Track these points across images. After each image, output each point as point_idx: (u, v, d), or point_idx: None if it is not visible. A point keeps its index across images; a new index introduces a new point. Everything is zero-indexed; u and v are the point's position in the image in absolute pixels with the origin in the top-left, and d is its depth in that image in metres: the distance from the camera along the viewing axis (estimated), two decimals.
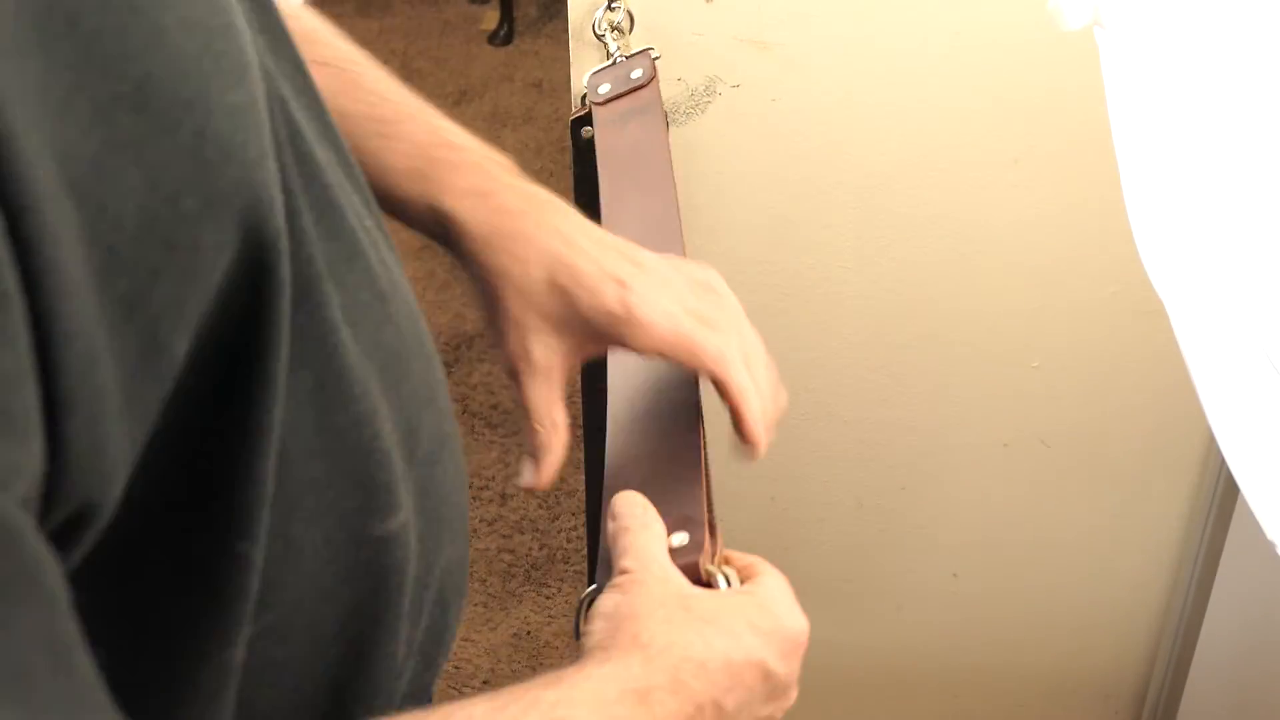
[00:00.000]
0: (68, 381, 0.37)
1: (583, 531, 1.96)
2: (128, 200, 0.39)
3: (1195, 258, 0.78)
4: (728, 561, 0.65)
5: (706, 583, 0.63)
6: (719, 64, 1.22)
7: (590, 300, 0.67)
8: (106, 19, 0.39)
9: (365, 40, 0.73)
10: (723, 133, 1.25)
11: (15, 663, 0.36)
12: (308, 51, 0.70)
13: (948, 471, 1.48)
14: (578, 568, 2.02)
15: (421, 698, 0.65)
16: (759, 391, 0.72)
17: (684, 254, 0.86)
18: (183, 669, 0.50)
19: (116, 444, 0.41)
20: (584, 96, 1.11)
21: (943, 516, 1.51)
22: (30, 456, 0.37)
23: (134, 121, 0.39)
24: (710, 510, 0.68)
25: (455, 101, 2.92)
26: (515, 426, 2.22)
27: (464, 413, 2.24)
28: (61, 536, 0.41)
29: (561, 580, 2.02)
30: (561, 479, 0.75)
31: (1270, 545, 0.73)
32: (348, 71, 0.71)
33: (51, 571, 0.38)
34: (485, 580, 2.01)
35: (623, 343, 0.68)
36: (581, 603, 0.63)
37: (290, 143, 0.51)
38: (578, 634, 0.61)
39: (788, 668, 0.60)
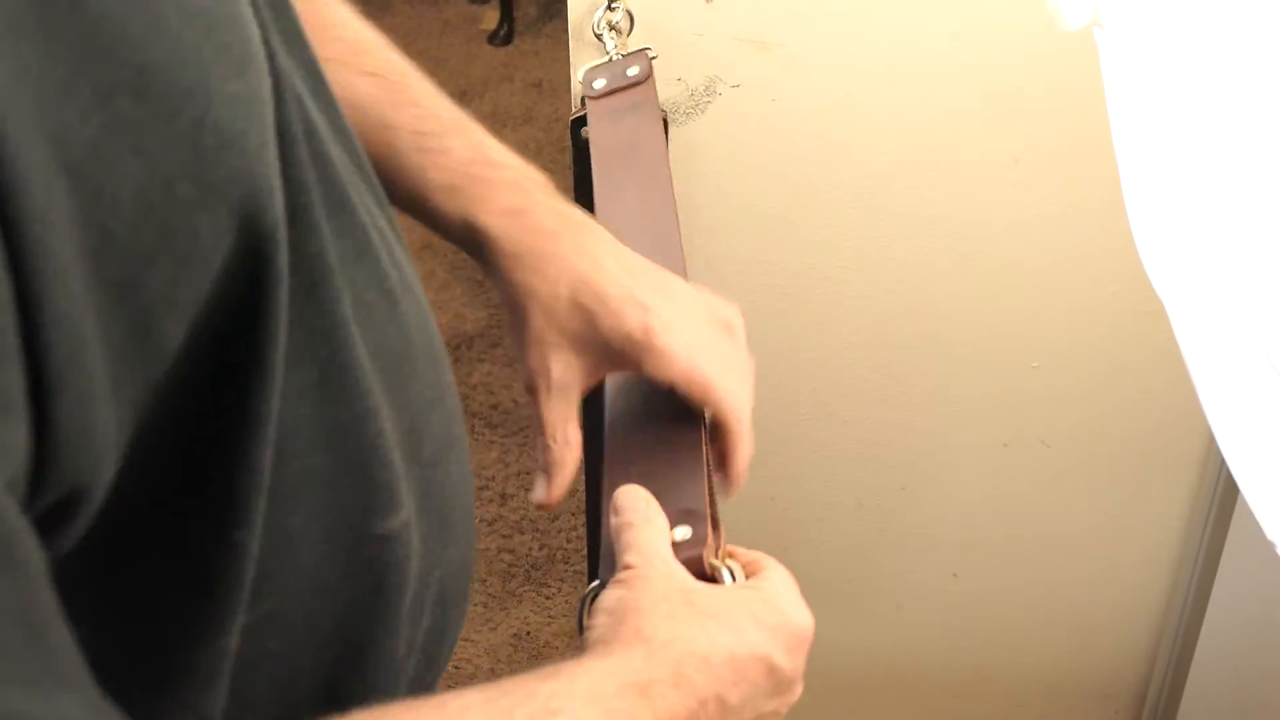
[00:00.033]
0: (55, 363, 0.37)
1: (583, 531, 1.96)
2: (125, 184, 0.39)
3: (1195, 258, 0.78)
4: (731, 556, 0.65)
5: (710, 577, 0.63)
6: (719, 64, 1.22)
7: (612, 322, 0.68)
8: (109, 5, 0.39)
9: None
10: (723, 133, 1.25)
11: None
12: (355, 61, 0.71)
13: (948, 471, 1.48)
14: (578, 568, 2.02)
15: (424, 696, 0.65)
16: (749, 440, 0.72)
17: (681, 250, 0.86)
18: (175, 654, 0.50)
19: (104, 427, 0.41)
20: (584, 98, 1.12)
21: (943, 516, 1.51)
22: (13, 435, 0.37)
23: (134, 107, 0.39)
24: (713, 505, 0.69)
25: (455, 101, 2.91)
26: (515, 426, 2.22)
27: (464, 413, 2.24)
28: (52, 520, 0.41)
29: (561, 580, 2.02)
30: None
31: (1270, 545, 0.73)
32: (395, 83, 0.72)
33: (28, 545, 0.38)
34: (485, 580, 2.01)
35: (638, 367, 0.69)
36: (584, 599, 0.63)
37: (306, 138, 0.51)
38: (581, 630, 0.61)
39: (793, 663, 0.60)
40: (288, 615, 0.54)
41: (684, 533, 0.64)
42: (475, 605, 1.97)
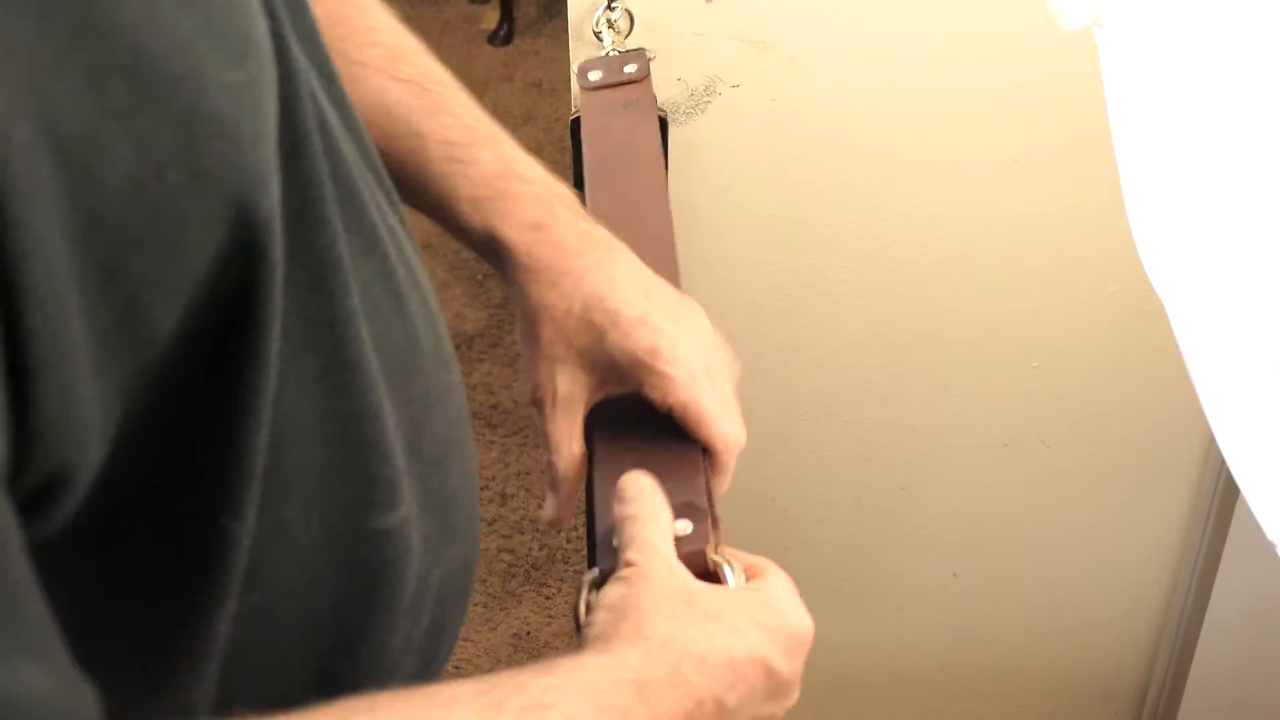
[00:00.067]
0: (36, 343, 0.37)
1: (583, 531, 1.96)
2: (115, 167, 0.39)
3: (1195, 258, 0.78)
4: (732, 558, 0.65)
5: (712, 572, 0.63)
6: (719, 64, 1.22)
7: (620, 340, 0.68)
8: None
9: None
10: (723, 133, 1.25)
11: None
12: (391, 67, 0.72)
13: (948, 471, 1.48)
14: (578, 568, 2.02)
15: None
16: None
17: (674, 252, 0.85)
18: (161, 639, 0.50)
19: (89, 409, 0.41)
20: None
21: (943, 516, 1.51)
22: None
23: (126, 90, 0.39)
24: (712, 502, 0.68)
25: None
26: (515, 426, 2.22)
27: None
28: (37, 501, 0.41)
29: (561, 580, 2.02)
30: None
31: (1270, 545, 0.73)
32: (430, 91, 0.72)
33: (2, 518, 0.38)
34: (485, 580, 2.01)
35: (640, 388, 0.68)
36: (581, 586, 0.62)
37: (320, 134, 0.52)
38: (576, 622, 0.61)
39: (791, 666, 0.60)
40: (281, 605, 0.54)
41: (685, 527, 0.64)
42: (475, 605, 1.97)
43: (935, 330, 1.38)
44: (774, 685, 0.59)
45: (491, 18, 3.19)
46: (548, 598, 2.00)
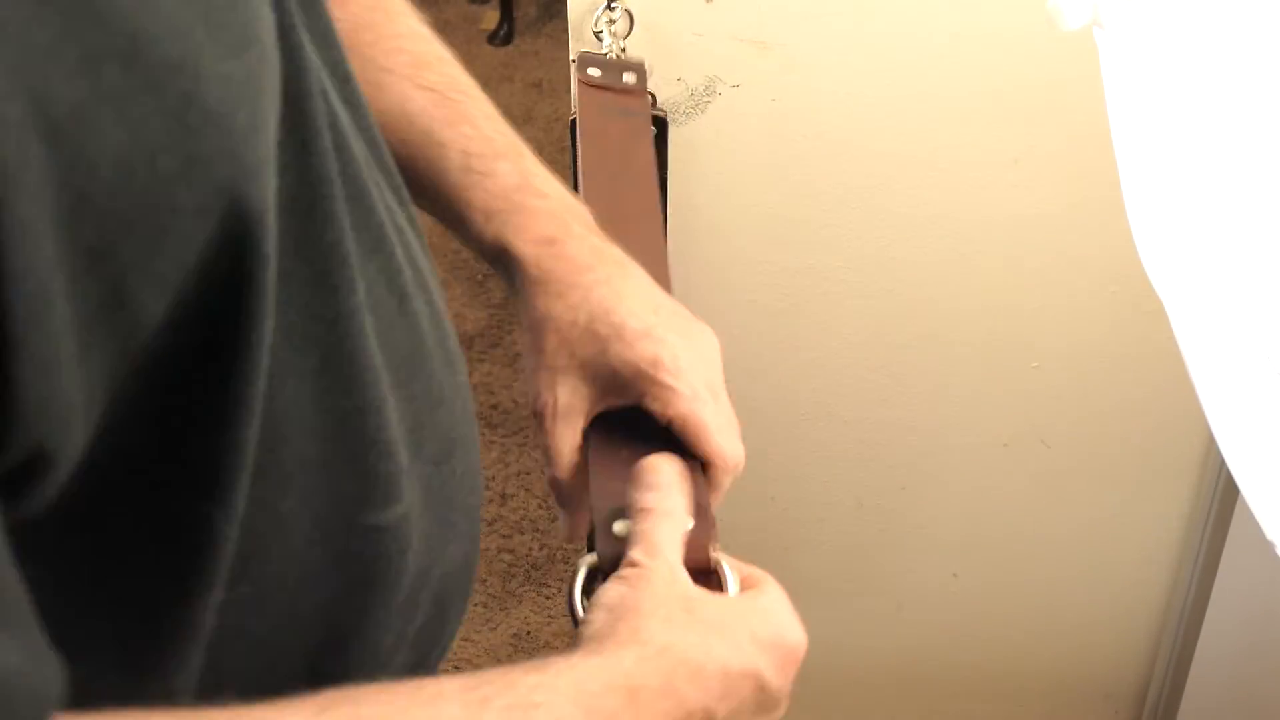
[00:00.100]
0: (15, 320, 0.37)
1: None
2: (106, 151, 0.39)
3: (1195, 258, 0.78)
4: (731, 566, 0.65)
5: (711, 570, 0.63)
6: (719, 64, 1.22)
7: (623, 351, 0.67)
8: None
9: None
10: (723, 133, 1.25)
11: None
12: (415, 75, 0.71)
13: (948, 471, 1.48)
14: None
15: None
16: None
17: (665, 259, 0.85)
18: (143, 622, 0.50)
19: (72, 391, 0.41)
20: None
21: (943, 516, 1.51)
22: None
23: (121, 76, 0.39)
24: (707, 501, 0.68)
25: None
26: (515, 426, 2.22)
27: None
28: (18, 481, 0.41)
29: (561, 580, 2.02)
30: None
31: (1270, 545, 0.73)
32: (452, 100, 0.72)
33: None
34: (485, 580, 2.01)
35: (642, 399, 0.67)
36: (577, 570, 0.62)
37: (330, 131, 0.52)
38: (570, 608, 0.61)
39: (781, 680, 0.60)
40: (274, 597, 0.54)
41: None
42: (475, 605, 1.97)
43: (935, 330, 1.38)
44: (763, 699, 0.59)
45: (491, 18, 3.19)
46: (548, 598, 2.00)
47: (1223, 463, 1.36)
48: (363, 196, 0.55)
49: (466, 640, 1.93)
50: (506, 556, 2.05)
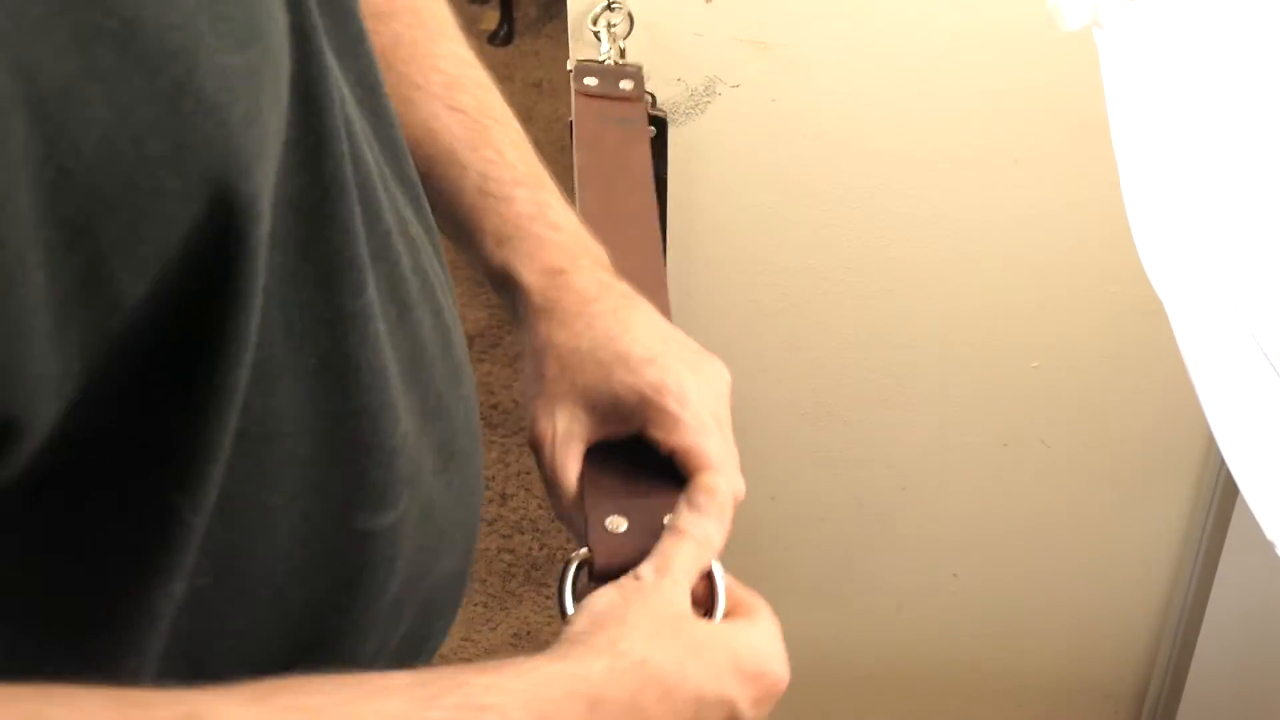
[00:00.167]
0: None
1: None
2: (91, 129, 0.39)
3: (1195, 258, 0.78)
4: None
5: (706, 576, 0.62)
6: (719, 64, 1.22)
7: (626, 377, 0.65)
8: None
9: None
10: (723, 133, 1.25)
11: None
12: (446, 95, 0.71)
13: (948, 471, 1.48)
14: None
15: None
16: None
17: (662, 265, 0.85)
18: (97, 603, 0.50)
19: (44, 364, 0.41)
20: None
21: (943, 516, 1.51)
22: None
23: (114, 57, 0.39)
24: None
25: None
26: (515, 426, 2.22)
27: None
28: None
29: None
30: None
31: (1270, 545, 0.73)
32: (480, 124, 0.72)
33: None
34: (485, 580, 2.01)
35: (645, 427, 0.66)
36: (568, 565, 0.61)
37: (347, 138, 0.52)
38: (560, 607, 0.60)
39: (756, 713, 0.58)
40: (257, 591, 0.54)
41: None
42: (475, 605, 1.97)
43: (935, 330, 1.38)
44: None
45: (491, 18, 3.19)
46: (547, 598, 2.00)
47: (1223, 463, 1.36)
48: (371, 204, 0.55)
49: (466, 640, 1.93)
50: (506, 556, 2.05)
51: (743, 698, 0.57)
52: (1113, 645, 1.61)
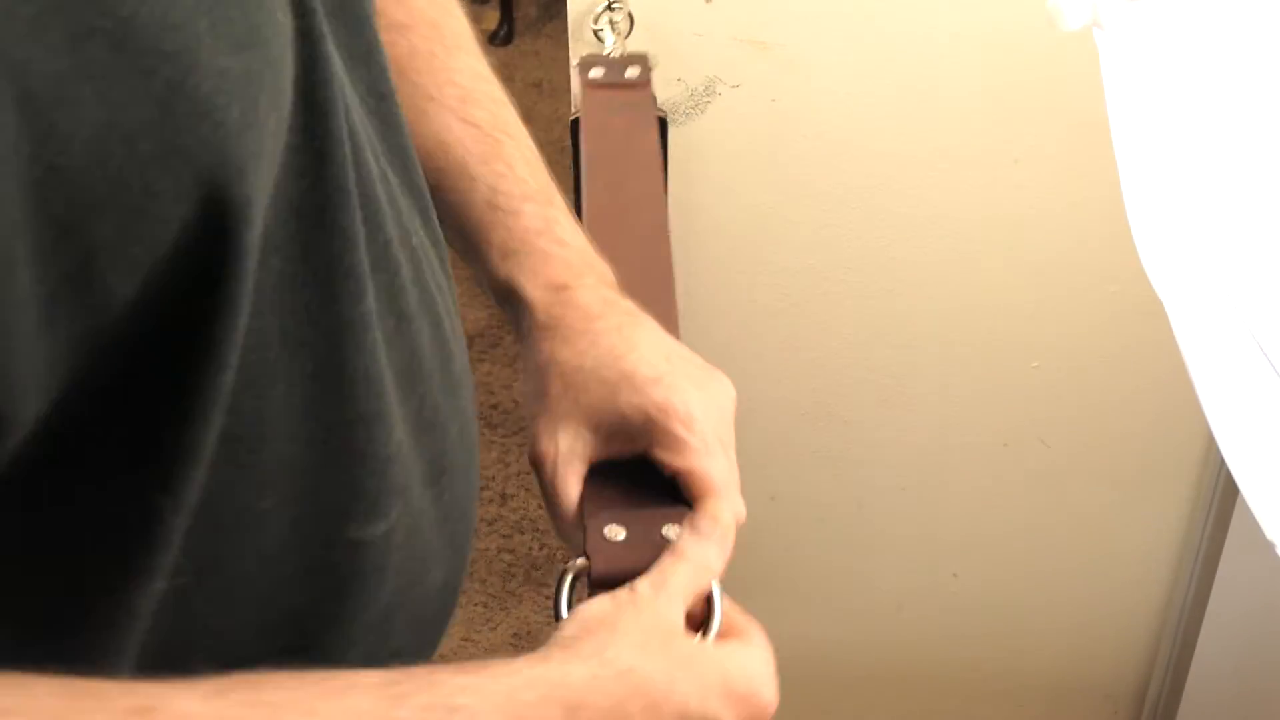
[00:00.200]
0: None
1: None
2: (81, 128, 0.39)
3: (1195, 258, 0.78)
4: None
5: (709, 599, 0.61)
6: (719, 64, 1.22)
7: (632, 397, 0.64)
8: None
9: None
10: (723, 133, 1.25)
11: None
12: (461, 109, 0.71)
13: (948, 471, 1.48)
14: None
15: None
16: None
17: (668, 247, 0.85)
18: (74, 601, 0.49)
19: (29, 360, 0.41)
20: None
21: (943, 516, 1.51)
22: None
23: (107, 56, 0.39)
24: None
25: None
26: (515, 426, 2.22)
27: None
28: None
29: None
30: None
31: (1270, 545, 0.73)
32: (492, 138, 0.72)
33: None
34: (485, 580, 2.01)
35: (650, 448, 0.65)
36: (565, 573, 0.60)
37: (350, 146, 0.52)
38: (556, 615, 0.59)
39: None
40: (243, 594, 0.54)
41: (675, 531, 0.63)
42: (475, 605, 1.97)
43: (935, 330, 1.38)
44: None
45: (491, 18, 3.19)
46: (547, 598, 1.99)
47: (1223, 463, 1.36)
48: (373, 213, 0.55)
49: (466, 640, 1.93)
50: (506, 556, 2.05)
51: (729, 718, 0.56)
52: (1113, 645, 1.61)
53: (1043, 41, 1.18)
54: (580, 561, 0.61)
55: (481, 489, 2.21)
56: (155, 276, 0.43)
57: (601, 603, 0.57)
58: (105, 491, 0.47)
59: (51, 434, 0.44)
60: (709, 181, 1.28)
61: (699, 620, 0.60)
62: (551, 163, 0.74)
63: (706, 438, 0.65)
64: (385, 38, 0.60)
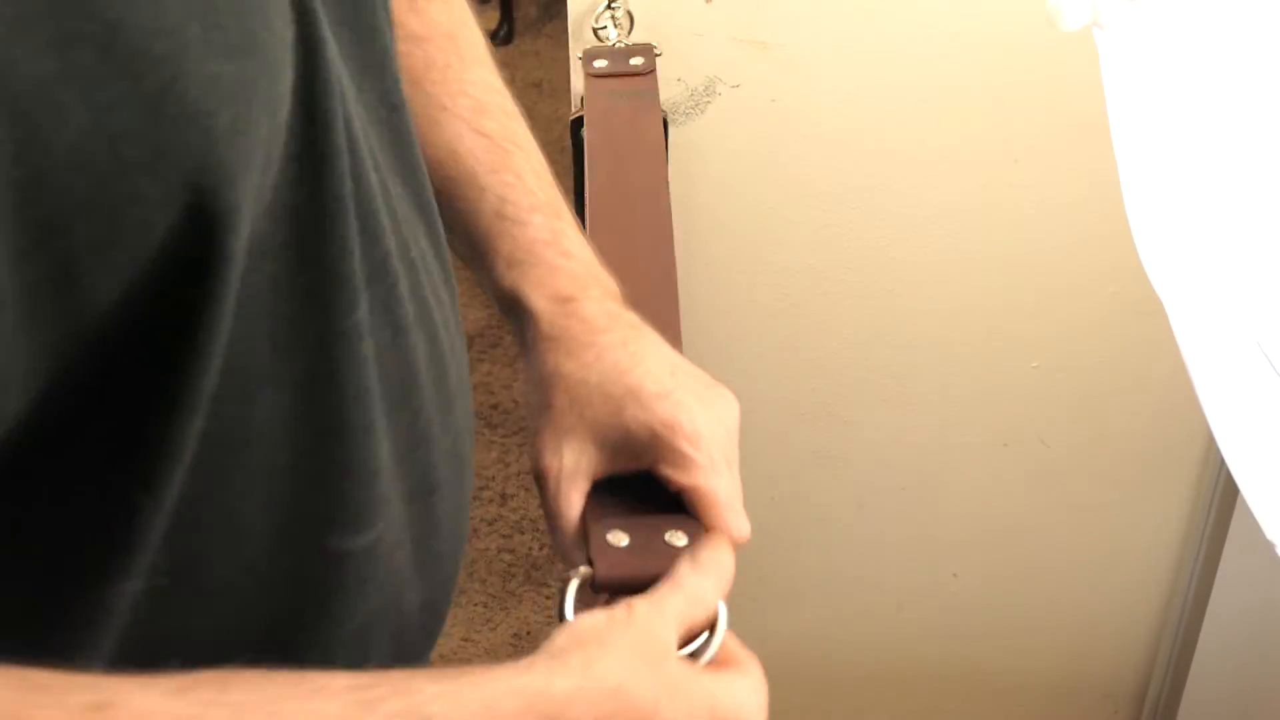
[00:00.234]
0: None
1: None
2: (65, 131, 0.39)
3: (1194, 257, 0.79)
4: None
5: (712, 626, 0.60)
6: (719, 64, 1.22)
7: (638, 413, 0.64)
8: None
9: None
10: (723, 133, 1.25)
11: None
12: (472, 119, 0.72)
13: (948, 471, 1.48)
14: None
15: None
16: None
17: (671, 233, 0.85)
18: (49, 598, 0.49)
19: (9, 359, 0.41)
20: (582, 98, 1.12)
21: (943, 516, 1.51)
22: None
23: (94, 60, 0.39)
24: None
25: None
26: (515, 426, 2.22)
27: None
28: None
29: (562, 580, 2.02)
30: None
31: (1270, 545, 0.73)
32: (502, 149, 0.72)
33: None
34: (485, 580, 2.01)
35: (655, 465, 0.64)
36: (569, 581, 0.60)
37: (350, 158, 0.52)
38: (561, 615, 0.58)
39: None
40: (221, 600, 0.53)
41: (681, 539, 0.63)
42: (475, 605, 1.97)
43: (935, 330, 1.38)
44: None
45: (491, 18, 3.19)
46: (547, 598, 2.00)
47: (1223, 463, 1.36)
48: (370, 224, 0.55)
49: (466, 640, 1.93)
50: (506, 556, 2.05)
51: None
52: (1113, 645, 1.61)
53: (1043, 41, 1.18)
54: (584, 568, 0.61)
55: (481, 489, 2.22)
56: (139, 279, 0.43)
57: (595, 617, 0.56)
58: (85, 488, 0.47)
59: (31, 430, 0.44)
60: (709, 181, 1.28)
61: (697, 647, 0.59)
62: (551, 163, 0.74)
63: (712, 455, 0.64)
64: (402, 48, 0.60)
